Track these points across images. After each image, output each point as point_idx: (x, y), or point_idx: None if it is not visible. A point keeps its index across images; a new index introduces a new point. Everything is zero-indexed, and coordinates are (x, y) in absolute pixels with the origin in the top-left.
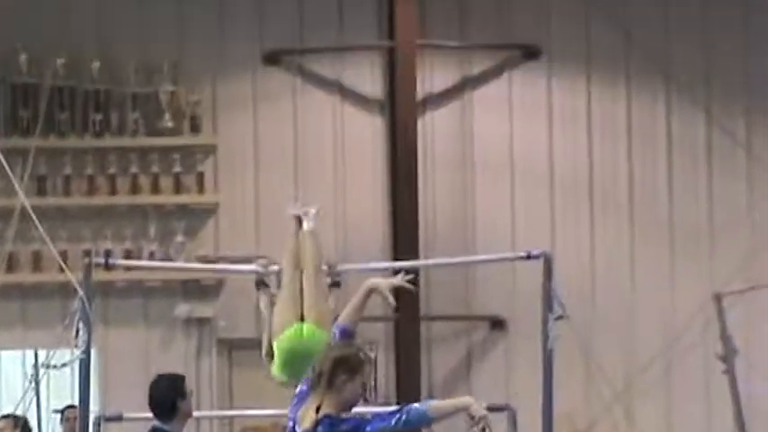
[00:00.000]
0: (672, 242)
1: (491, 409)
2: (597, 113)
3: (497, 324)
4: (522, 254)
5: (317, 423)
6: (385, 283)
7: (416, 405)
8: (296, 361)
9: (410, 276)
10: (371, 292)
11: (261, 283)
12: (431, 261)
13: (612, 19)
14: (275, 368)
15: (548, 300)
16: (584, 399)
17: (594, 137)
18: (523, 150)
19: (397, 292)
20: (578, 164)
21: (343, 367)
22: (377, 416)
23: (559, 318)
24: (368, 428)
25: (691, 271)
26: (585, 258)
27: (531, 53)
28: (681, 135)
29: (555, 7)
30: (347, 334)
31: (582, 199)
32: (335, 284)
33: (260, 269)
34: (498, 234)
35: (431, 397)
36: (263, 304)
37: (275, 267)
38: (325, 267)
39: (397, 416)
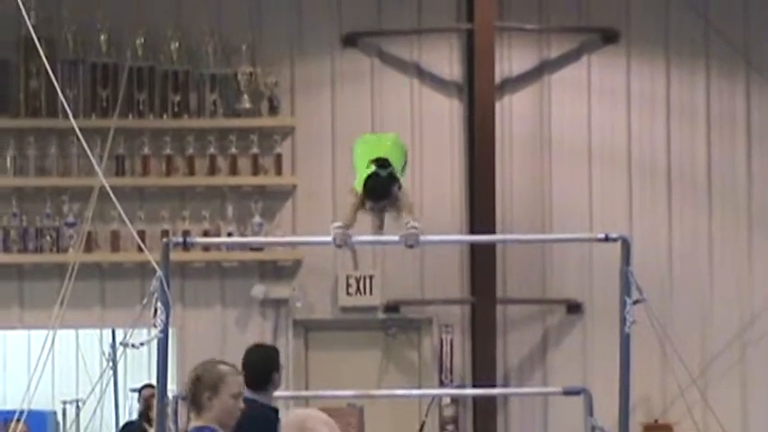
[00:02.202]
0: (750, 227)
1: (568, 392)
2: (676, 98)
3: (574, 308)
4: (600, 236)
5: None
6: None
7: None
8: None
9: None
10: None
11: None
12: (508, 236)
13: (692, 3)
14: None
15: (625, 284)
16: (660, 383)
17: (673, 121)
18: (601, 134)
19: (473, 276)
20: (656, 148)
21: (201, 385)
22: None
23: (637, 302)
24: None
25: None
26: (663, 242)
27: (609, 37)
28: (761, 120)
29: None
30: None
31: (660, 183)
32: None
33: (338, 240)
34: (575, 217)
35: (505, 382)
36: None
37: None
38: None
39: None
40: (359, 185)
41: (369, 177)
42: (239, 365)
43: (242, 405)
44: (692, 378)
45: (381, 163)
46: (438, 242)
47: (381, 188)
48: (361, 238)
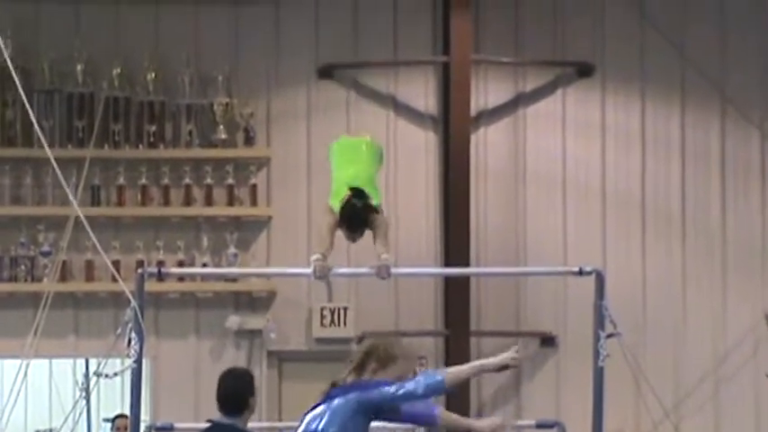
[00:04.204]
0: (724, 261)
1: (541, 425)
2: (651, 132)
3: (548, 341)
4: (575, 269)
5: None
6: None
7: (433, 374)
8: (347, 147)
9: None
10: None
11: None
12: (482, 270)
13: (667, 38)
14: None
15: (599, 317)
16: (633, 416)
17: (648, 155)
18: (576, 167)
19: (447, 309)
20: (631, 181)
21: (372, 357)
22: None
23: (610, 336)
24: (384, 389)
25: (742, 290)
26: (637, 276)
27: (584, 70)
28: (735, 155)
29: (609, 25)
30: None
31: (634, 216)
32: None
33: (317, 274)
34: (549, 250)
35: (479, 414)
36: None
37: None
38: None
39: (406, 384)
40: (334, 203)
41: (344, 207)
42: (213, 396)
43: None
44: (665, 412)
45: (357, 193)
46: (411, 275)
47: (357, 219)
48: (336, 270)
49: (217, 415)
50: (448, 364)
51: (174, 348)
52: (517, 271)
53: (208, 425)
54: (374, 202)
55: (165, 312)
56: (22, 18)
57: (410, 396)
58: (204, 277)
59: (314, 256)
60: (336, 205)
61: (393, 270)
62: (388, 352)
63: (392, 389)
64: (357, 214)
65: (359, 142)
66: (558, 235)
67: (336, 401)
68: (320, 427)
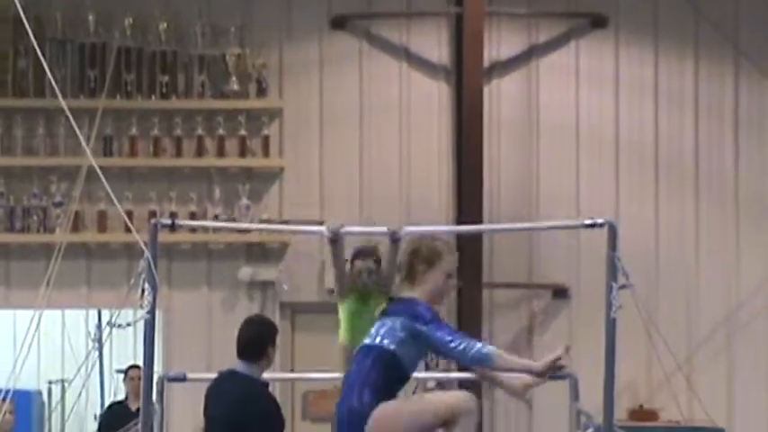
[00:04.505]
0: (736, 213)
1: (552, 377)
2: (664, 84)
3: (560, 292)
4: (587, 222)
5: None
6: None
7: (481, 347)
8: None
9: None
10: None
11: (334, 240)
12: (494, 226)
13: None
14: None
15: (612, 268)
16: (645, 369)
17: (661, 107)
18: (589, 119)
19: (460, 261)
20: (644, 133)
21: (418, 258)
22: (447, 327)
23: (623, 287)
24: (438, 333)
25: (755, 242)
26: (650, 227)
27: (598, 22)
28: (748, 107)
29: None
30: None
31: (647, 168)
32: (395, 241)
33: (330, 227)
34: (562, 201)
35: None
36: (334, 257)
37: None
38: (385, 228)
39: (461, 343)
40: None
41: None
42: (226, 347)
43: (454, 285)
44: (677, 364)
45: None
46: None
47: None
48: (349, 228)
49: (231, 364)
50: (460, 315)
51: (186, 299)
52: (529, 226)
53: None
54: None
55: (178, 263)
56: None
57: (459, 356)
58: (217, 229)
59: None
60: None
61: (405, 228)
62: (431, 249)
63: (447, 338)
64: None
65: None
66: (571, 186)
67: (390, 320)
68: (377, 341)
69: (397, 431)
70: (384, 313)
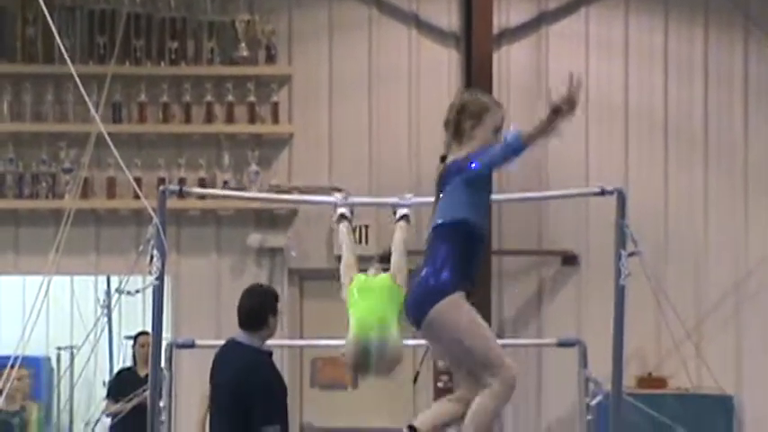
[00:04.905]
0: (745, 182)
1: (562, 344)
2: (674, 52)
3: (569, 259)
4: (596, 189)
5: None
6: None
7: (510, 142)
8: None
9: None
10: None
11: (342, 217)
12: (503, 196)
13: None
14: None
15: (620, 236)
16: (654, 336)
17: (671, 76)
18: (598, 86)
19: None
20: (654, 101)
21: (466, 113)
22: (486, 152)
23: (632, 254)
24: (484, 164)
25: (764, 210)
26: (659, 195)
27: None
28: (758, 75)
29: None
30: None
31: (656, 136)
32: (404, 218)
33: (339, 201)
34: (571, 169)
35: (499, 334)
36: (342, 235)
37: (353, 199)
38: (396, 199)
39: (499, 155)
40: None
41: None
42: (234, 314)
43: (500, 139)
44: (686, 332)
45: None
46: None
47: None
48: (357, 199)
49: (237, 332)
50: None
51: (195, 266)
52: (538, 195)
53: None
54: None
55: (187, 230)
56: None
57: (506, 163)
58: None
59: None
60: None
61: (415, 199)
62: (478, 104)
63: (489, 161)
64: None
65: (376, 284)
66: (581, 154)
67: (448, 189)
68: (441, 221)
69: (454, 324)
70: (441, 180)
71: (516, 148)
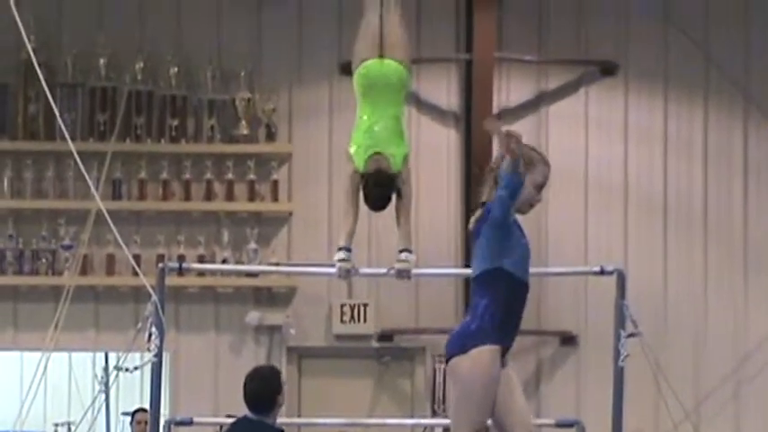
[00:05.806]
0: (745, 263)
1: (560, 424)
2: (673, 132)
3: (568, 339)
4: (596, 269)
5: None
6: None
7: (501, 192)
8: (373, 86)
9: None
10: None
11: (346, 274)
12: None
13: (691, 38)
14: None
15: (620, 317)
16: (653, 417)
17: (670, 156)
18: (598, 166)
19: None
20: (653, 182)
21: None
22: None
23: (631, 335)
24: (499, 210)
25: (764, 291)
26: (658, 276)
27: (608, 69)
28: (758, 156)
29: (633, 24)
30: None
31: (656, 216)
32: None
33: (340, 267)
34: (571, 248)
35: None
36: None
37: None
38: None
39: (502, 191)
40: (358, 160)
41: (366, 188)
42: (232, 391)
43: (541, 198)
44: (685, 413)
45: (378, 178)
46: (432, 275)
47: (381, 203)
48: (358, 270)
49: (239, 411)
50: None
51: (193, 343)
52: (537, 272)
53: (231, 420)
54: (395, 168)
55: (186, 307)
56: (46, 12)
57: (505, 199)
58: (225, 273)
59: (338, 255)
60: (358, 164)
61: (414, 271)
62: (525, 157)
63: (497, 201)
64: (381, 199)
65: (383, 75)
66: (580, 234)
67: (480, 240)
68: (477, 271)
69: (460, 379)
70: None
71: (508, 179)
